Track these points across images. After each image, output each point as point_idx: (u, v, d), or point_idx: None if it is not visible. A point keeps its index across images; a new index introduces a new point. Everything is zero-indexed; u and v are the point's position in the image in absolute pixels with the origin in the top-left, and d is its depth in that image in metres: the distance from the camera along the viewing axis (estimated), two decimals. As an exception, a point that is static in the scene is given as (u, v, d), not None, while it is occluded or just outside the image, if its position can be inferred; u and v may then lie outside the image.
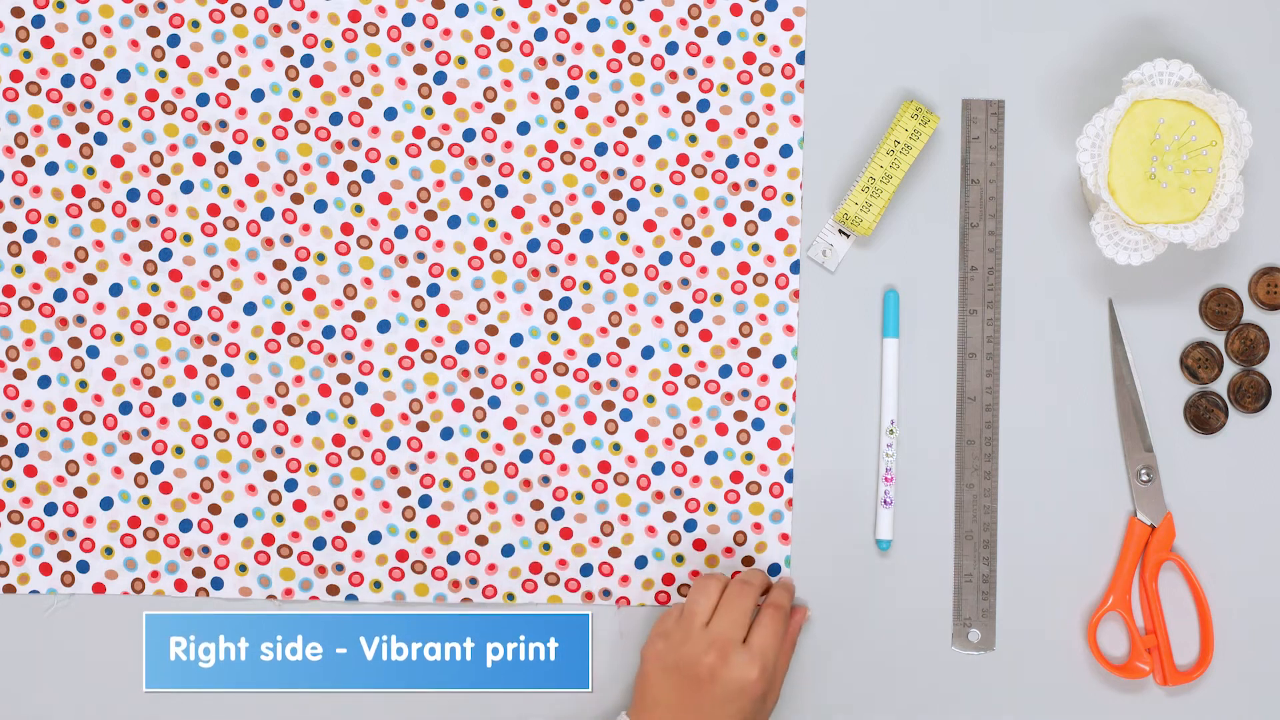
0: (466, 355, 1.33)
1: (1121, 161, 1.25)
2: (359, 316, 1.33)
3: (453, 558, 1.34)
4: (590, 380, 1.34)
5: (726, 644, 1.25)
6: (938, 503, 1.33)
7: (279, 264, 1.33)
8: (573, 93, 1.33)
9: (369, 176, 1.33)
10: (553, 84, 1.33)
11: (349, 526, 1.33)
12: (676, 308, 1.34)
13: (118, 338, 1.33)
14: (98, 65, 1.32)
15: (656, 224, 1.34)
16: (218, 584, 1.33)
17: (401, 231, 1.33)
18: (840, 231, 1.33)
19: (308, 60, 1.33)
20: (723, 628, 1.26)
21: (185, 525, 1.33)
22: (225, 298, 1.33)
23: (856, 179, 1.32)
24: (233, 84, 1.33)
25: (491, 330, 1.33)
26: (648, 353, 1.34)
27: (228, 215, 1.33)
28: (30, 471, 1.33)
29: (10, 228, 1.33)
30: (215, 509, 1.33)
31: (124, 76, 1.32)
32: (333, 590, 1.34)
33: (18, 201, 1.33)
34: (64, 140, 1.33)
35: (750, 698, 1.24)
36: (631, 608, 1.34)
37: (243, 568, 1.33)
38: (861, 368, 1.33)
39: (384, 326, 1.33)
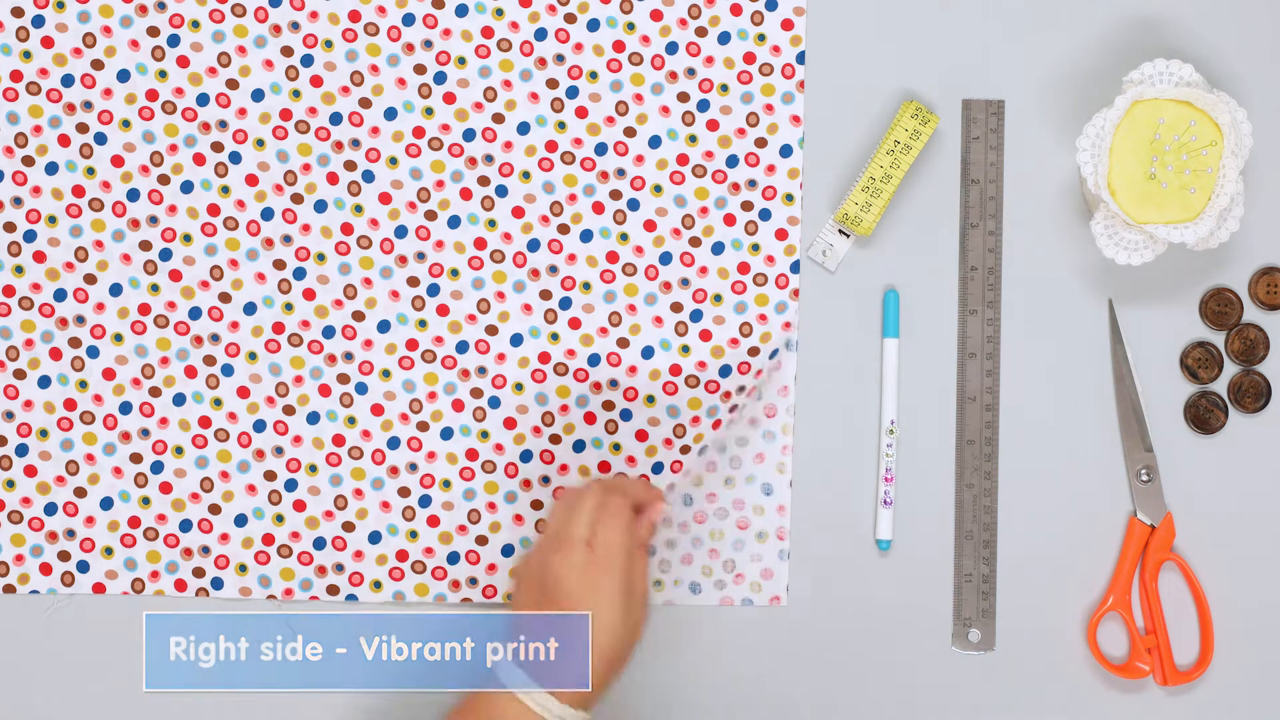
0: (466, 355, 1.33)
1: (1121, 161, 1.25)
2: (359, 316, 1.33)
3: (453, 558, 1.34)
4: (590, 380, 1.34)
5: (566, 543, 1.20)
6: (938, 503, 1.33)
7: (279, 264, 1.33)
8: (573, 93, 1.33)
9: (369, 176, 1.33)
10: (553, 84, 1.33)
11: (349, 526, 1.33)
12: (676, 308, 1.34)
13: (118, 338, 1.33)
14: (98, 65, 1.32)
15: (656, 224, 1.34)
16: (218, 584, 1.33)
17: (401, 231, 1.33)
18: (840, 231, 1.33)
19: (308, 60, 1.33)
20: (566, 528, 1.21)
21: (185, 525, 1.33)
22: (225, 298, 1.33)
23: (856, 179, 1.32)
24: (233, 84, 1.33)
25: (491, 330, 1.33)
26: (648, 353, 1.34)
27: (228, 215, 1.33)
28: (30, 471, 1.33)
29: (10, 228, 1.33)
30: (215, 509, 1.33)
31: (124, 76, 1.32)
32: (333, 590, 1.34)
33: (18, 201, 1.33)
34: (64, 140, 1.33)
35: (601, 599, 1.19)
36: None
37: (243, 568, 1.33)
38: (861, 368, 1.33)
39: (384, 326, 1.33)
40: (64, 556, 1.33)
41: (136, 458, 1.33)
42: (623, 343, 1.34)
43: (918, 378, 1.33)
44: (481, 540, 1.34)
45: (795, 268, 1.33)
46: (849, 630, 1.33)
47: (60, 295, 1.33)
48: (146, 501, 1.33)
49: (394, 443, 1.33)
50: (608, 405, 1.34)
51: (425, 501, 1.33)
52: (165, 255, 1.33)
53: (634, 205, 1.34)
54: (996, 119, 1.33)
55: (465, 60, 1.33)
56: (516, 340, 1.33)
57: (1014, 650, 1.33)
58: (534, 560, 1.23)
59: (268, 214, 1.33)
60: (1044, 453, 1.33)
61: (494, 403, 1.33)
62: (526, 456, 1.34)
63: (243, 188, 1.33)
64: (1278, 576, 1.33)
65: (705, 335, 1.33)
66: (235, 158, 1.33)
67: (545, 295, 1.33)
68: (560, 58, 1.33)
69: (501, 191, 1.33)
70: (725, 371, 1.33)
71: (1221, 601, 1.33)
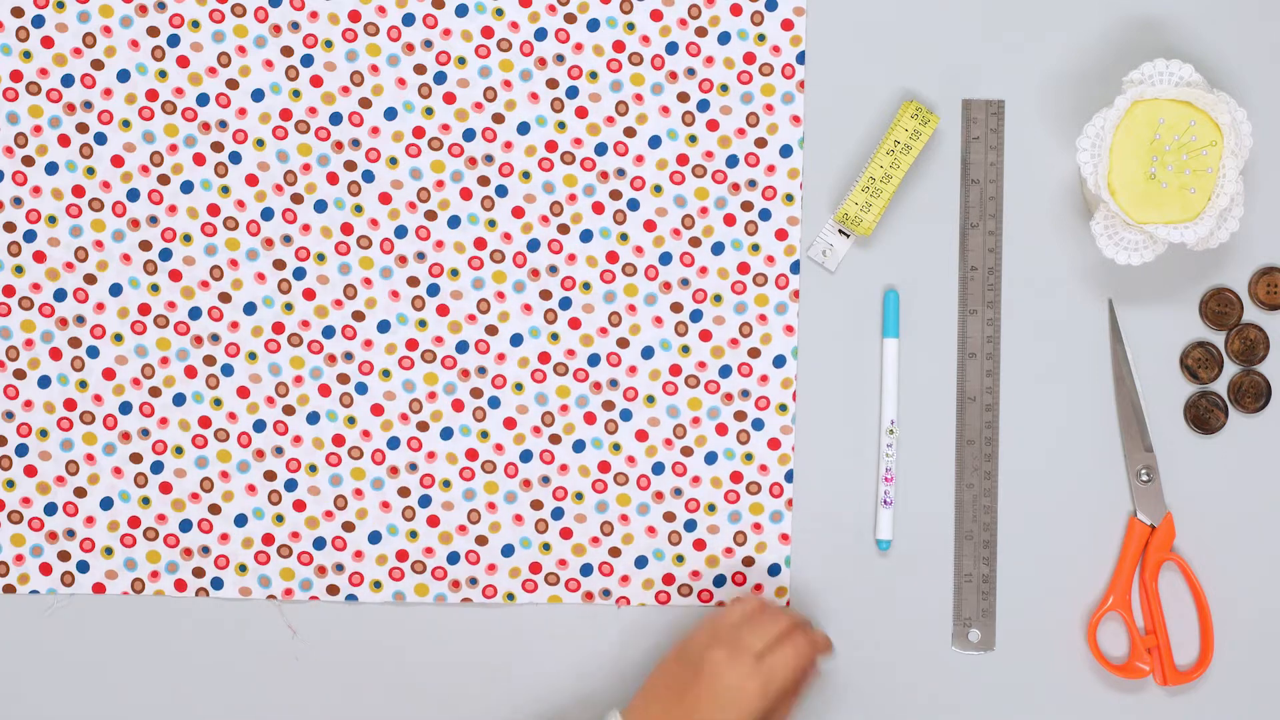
0: (466, 355, 1.33)
1: (1121, 161, 1.25)
2: (359, 316, 1.33)
3: (453, 558, 1.34)
4: (590, 380, 1.34)
5: (739, 647, 1.24)
6: (938, 503, 1.33)
7: (279, 264, 1.33)
8: (573, 93, 1.33)
9: (369, 176, 1.33)
10: (553, 84, 1.33)
11: (349, 526, 1.33)
12: (676, 308, 1.34)
13: (118, 338, 1.33)
14: (98, 65, 1.32)
15: (656, 224, 1.34)
16: (218, 584, 1.33)
17: (402, 231, 1.33)
18: (840, 231, 1.33)
19: (308, 60, 1.33)
20: (742, 632, 1.24)
21: (185, 525, 1.33)
22: (225, 298, 1.33)
23: (856, 179, 1.32)
24: (233, 84, 1.33)
25: (491, 330, 1.33)
26: (648, 353, 1.34)
27: (228, 215, 1.33)
28: (30, 471, 1.33)
29: (10, 228, 1.33)
30: (215, 509, 1.33)
31: (124, 76, 1.32)
32: (333, 590, 1.33)
33: (18, 201, 1.33)
34: (64, 140, 1.33)
35: (741, 711, 1.23)
36: (631, 607, 1.34)
37: (243, 568, 1.33)
38: (861, 368, 1.33)
39: (384, 326, 1.33)
40: (64, 556, 1.33)
41: (136, 458, 1.33)
42: (622, 343, 1.34)
43: (918, 378, 1.33)
44: (481, 540, 1.34)
45: (795, 268, 1.33)
46: (849, 630, 1.33)
47: (60, 295, 1.33)
48: (146, 501, 1.33)
49: (394, 443, 1.33)
50: (608, 405, 1.34)
51: (425, 501, 1.33)
52: (165, 255, 1.33)
53: (634, 205, 1.34)
54: (996, 119, 1.33)
55: (465, 60, 1.33)
56: (516, 340, 1.33)
57: (1014, 650, 1.33)
58: (694, 641, 1.24)
59: (268, 214, 1.33)
60: (1044, 453, 1.33)
61: (494, 402, 1.33)
62: (526, 456, 1.34)
63: (243, 188, 1.33)
64: (1278, 576, 1.33)
65: (705, 335, 1.33)
66: (235, 158, 1.33)
67: (545, 295, 1.33)
68: (560, 58, 1.33)
69: (502, 192, 1.33)
70: (725, 371, 1.33)
71: (1221, 601, 1.33)
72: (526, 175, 1.33)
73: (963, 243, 1.33)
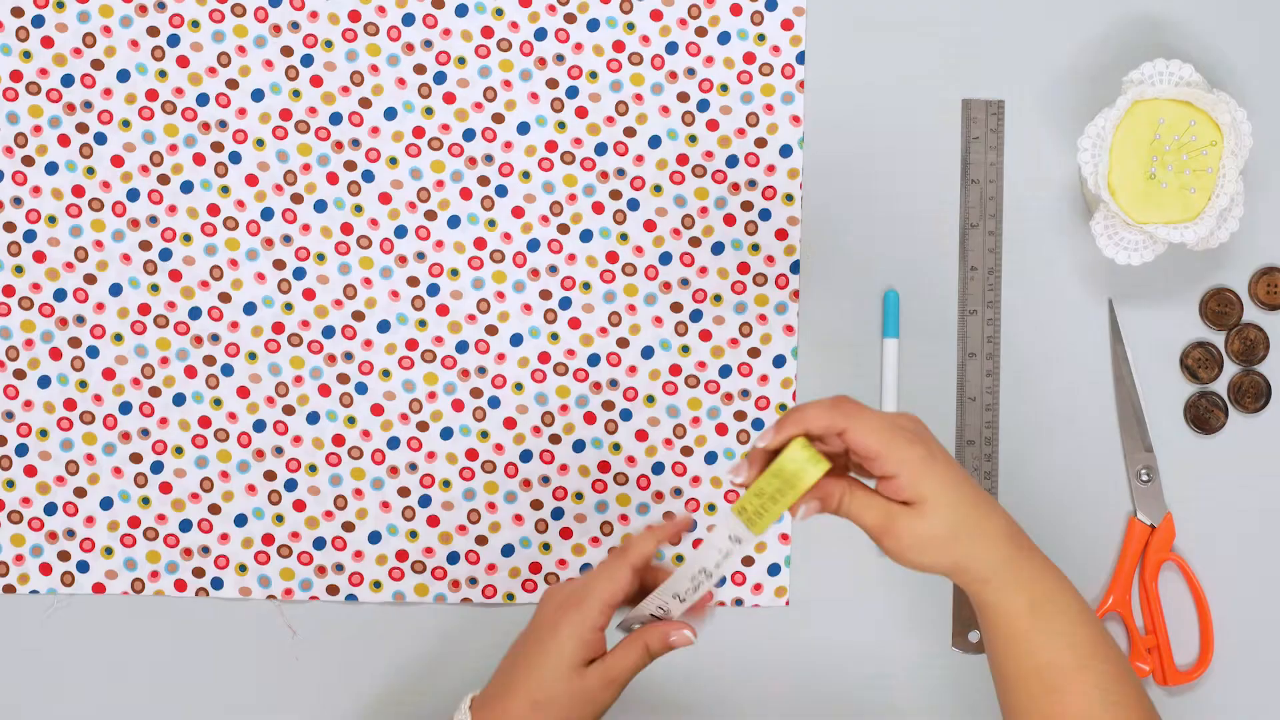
0: (466, 355, 1.33)
1: (1121, 161, 1.25)
2: (359, 316, 1.33)
3: (453, 558, 1.34)
4: (590, 380, 1.34)
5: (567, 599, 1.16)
6: (938, 503, 1.33)
7: (279, 264, 1.33)
8: (573, 92, 1.33)
9: (369, 176, 1.33)
10: (553, 84, 1.33)
11: (349, 526, 1.33)
12: (676, 308, 1.34)
13: (118, 338, 1.33)
14: (97, 65, 1.32)
15: (656, 224, 1.34)
16: (218, 584, 1.33)
17: (401, 231, 1.33)
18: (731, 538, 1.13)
19: (308, 60, 1.33)
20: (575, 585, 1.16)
21: (185, 525, 1.33)
22: (225, 298, 1.33)
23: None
24: (233, 84, 1.33)
25: (491, 330, 1.33)
26: (648, 353, 1.34)
27: (228, 215, 1.33)
28: (30, 471, 1.33)
29: (10, 228, 1.33)
30: (215, 509, 1.33)
31: (124, 76, 1.32)
32: (333, 590, 1.33)
33: (18, 201, 1.33)
34: (64, 140, 1.33)
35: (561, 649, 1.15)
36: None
37: (242, 568, 1.33)
38: (861, 368, 1.33)
39: (384, 326, 1.33)
40: (64, 556, 1.33)
41: (136, 458, 1.33)
42: (622, 342, 1.34)
43: (918, 378, 1.33)
44: (481, 540, 1.34)
45: (795, 268, 1.33)
46: (849, 630, 1.33)
47: (60, 295, 1.33)
48: (146, 501, 1.33)
49: (393, 442, 1.33)
50: (608, 405, 1.33)
51: (425, 501, 1.33)
52: (165, 255, 1.33)
53: (634, 205, 1.34)
54: (996, 119, 1.33)
55: (465, 60, 1.33)
56: (516, 340, 1.33)
57: (1014, 650, 1.33)
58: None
59: (268, 214, 1.33)
60: (1044, 453, 1.33)
61: (494, 402, 1.33)
62: (526, 456, 1.34)
63: (242, 188, 1.33)
64: (1278, 576, 1.33)
65: (705, 335, 1.33)
66: (235, 158, 1.33)
67: (545, 295, 1.33)
68: (560, 58, 1.33)
69: (501, 191, 1.33)
70: (725, 371, 1.33)
71: (1221, 601, 1.33)
72: (526, 175, 1.33)
73: (963, 243, 1.33)
